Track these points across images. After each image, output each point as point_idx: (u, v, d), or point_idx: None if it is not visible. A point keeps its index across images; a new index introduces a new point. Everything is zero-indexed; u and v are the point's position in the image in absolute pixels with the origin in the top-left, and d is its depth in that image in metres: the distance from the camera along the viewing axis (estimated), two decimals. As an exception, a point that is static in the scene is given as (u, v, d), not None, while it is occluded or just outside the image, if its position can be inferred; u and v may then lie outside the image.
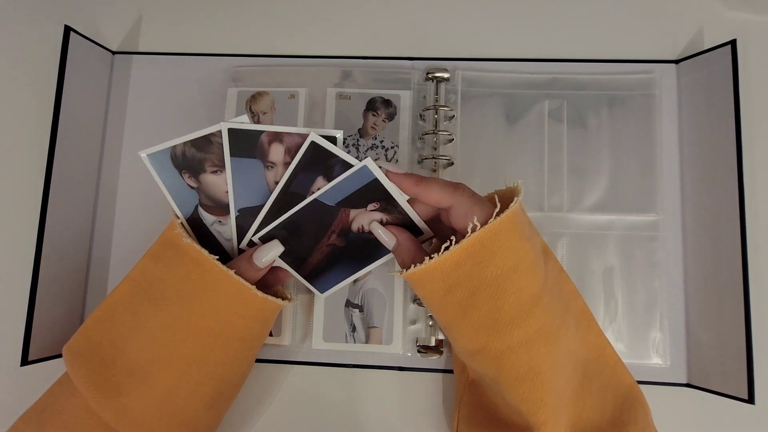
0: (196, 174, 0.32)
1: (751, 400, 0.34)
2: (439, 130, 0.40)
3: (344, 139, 0.40)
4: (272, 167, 0.31)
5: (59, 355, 0.37)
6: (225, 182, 0.32)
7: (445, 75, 0.42)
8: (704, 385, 0.37)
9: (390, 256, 0.32)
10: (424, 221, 0.31)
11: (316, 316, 0.39)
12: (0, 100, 0.44)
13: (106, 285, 0.42)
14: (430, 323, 0.39)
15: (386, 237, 0.31)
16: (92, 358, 0.30)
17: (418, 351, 0.39)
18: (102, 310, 0.31)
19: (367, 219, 0.31)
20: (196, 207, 0.32)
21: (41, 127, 0.43)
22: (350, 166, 0.30)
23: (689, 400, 0.39)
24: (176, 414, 0.30)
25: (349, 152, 0.32)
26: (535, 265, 0.28)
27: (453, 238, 0.28)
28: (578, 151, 0.41)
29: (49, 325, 0.37)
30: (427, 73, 0.42)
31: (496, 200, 0.28)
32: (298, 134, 0.30)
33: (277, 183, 0.31)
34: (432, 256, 0.28)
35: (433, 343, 0.39)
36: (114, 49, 0.44)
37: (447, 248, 0.27)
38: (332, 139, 0.30)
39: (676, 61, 0.42)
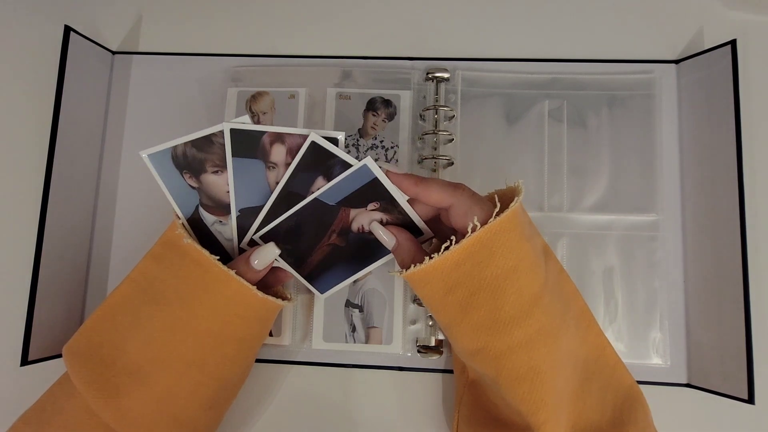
0: (197, 174, 0.32)
1: (751, 400, 0.34)
2: (439, 130, 0.40)
3: (345, 139, 0.40)
4: (274, 168, 0.31)
5: (59, 355, 0.37)
6: (226, 182, 0.32)
7: (445, 75, 0.42)
8: (704, 385, 0.37)
9: (390, 256, 0.32)
10: (424, 221, 0.31)
11: (316, 316, 0.39)
12: (0, 100, 0.44)
13: (106, 285, 0.42)
14: (430, 323, 0.39)
15: (386, 237, 0.30)
16: (92, 358, 0.30)
17: (418, 351, 0.39)
18: (102, 310, 0.31)
19: (367, 219, 0.31)
20: (197, 207, 0.32)
21: (41, 127, 0.43)
22: (350, 166, 0.30)
23: (689, 400, 0.39)
24: (176, 414, 0.30)
25: (349, 152, 0.32)
26: (536, 265, 0.28)
27: (453, 238, 0.28)
28: (578, 151, 0.41)
29: (49, 325, 0.37)
30: (427, 73, 0.42)
31: (496, 200, 0.28)
32: (299, 135, 0.30)
33: (278, 183, 0.31)
34: (432, 256, 0.28)
35: (433, 343, 0.39)
36: (114, 49, 0.44)
37: (447, 248, 0.27)
38: (334, 141, 0.30)
39: (676, 61, 0.42)
